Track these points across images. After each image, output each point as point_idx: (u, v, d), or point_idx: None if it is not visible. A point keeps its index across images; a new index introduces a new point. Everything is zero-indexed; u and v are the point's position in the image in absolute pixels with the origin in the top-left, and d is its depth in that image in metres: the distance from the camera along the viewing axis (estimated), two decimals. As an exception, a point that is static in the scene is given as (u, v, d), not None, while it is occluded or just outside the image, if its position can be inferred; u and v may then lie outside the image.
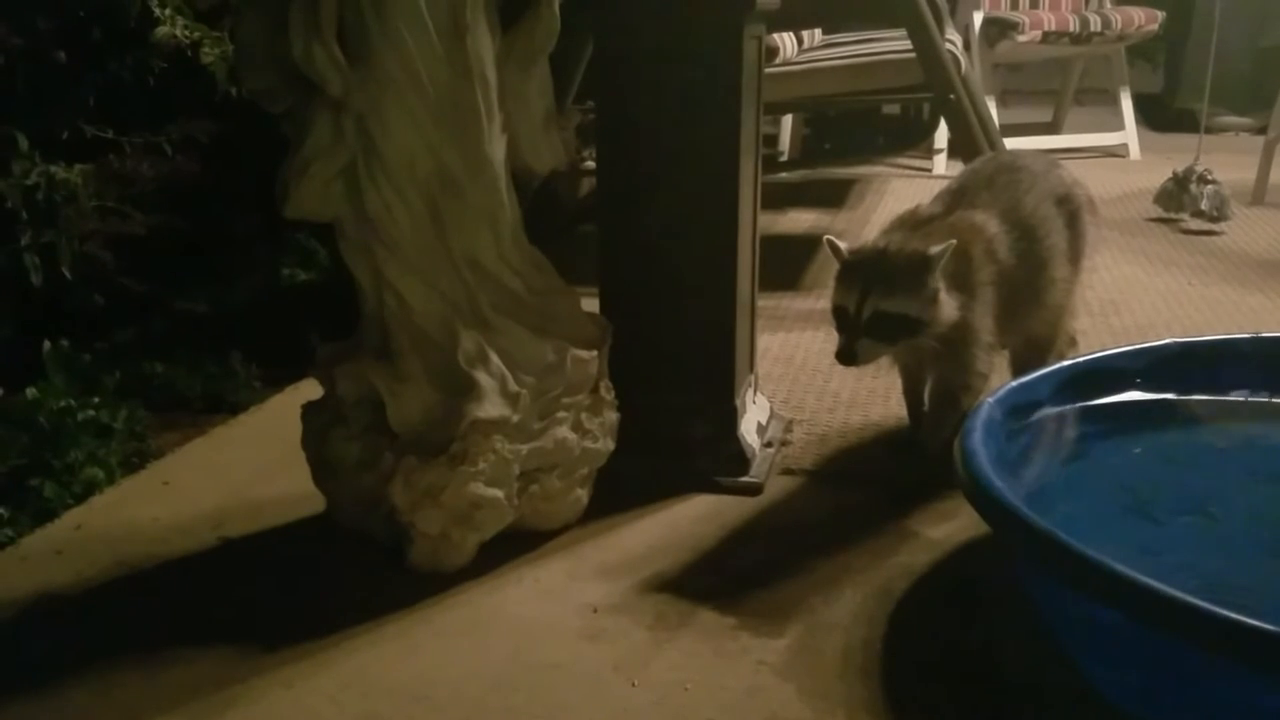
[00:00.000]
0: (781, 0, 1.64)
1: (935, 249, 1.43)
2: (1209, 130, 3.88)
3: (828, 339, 2.19)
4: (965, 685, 1.13)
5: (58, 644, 1.26)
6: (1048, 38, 4.33)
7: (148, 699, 1.14)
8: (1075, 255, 1.64)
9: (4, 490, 1.60)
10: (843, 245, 1.51)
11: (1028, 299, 1.59)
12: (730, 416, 1.59)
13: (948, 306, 1.46)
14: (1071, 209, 1.64)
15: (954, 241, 1.44)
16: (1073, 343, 1.75)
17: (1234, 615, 0.84)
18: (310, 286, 2.54)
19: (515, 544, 1.40)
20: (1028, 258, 1.57)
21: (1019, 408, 1.35)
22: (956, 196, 1.61)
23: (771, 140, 4.57)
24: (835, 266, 1.52)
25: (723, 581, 1.33)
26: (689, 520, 1.49)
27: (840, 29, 3.31)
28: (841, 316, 1.48)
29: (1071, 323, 1.75)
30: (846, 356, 1.46)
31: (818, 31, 3.16)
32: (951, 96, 2.28)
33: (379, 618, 1.26)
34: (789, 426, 1.77)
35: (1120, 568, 0.91)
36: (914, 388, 1.70)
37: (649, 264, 1.58)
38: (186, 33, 1.95)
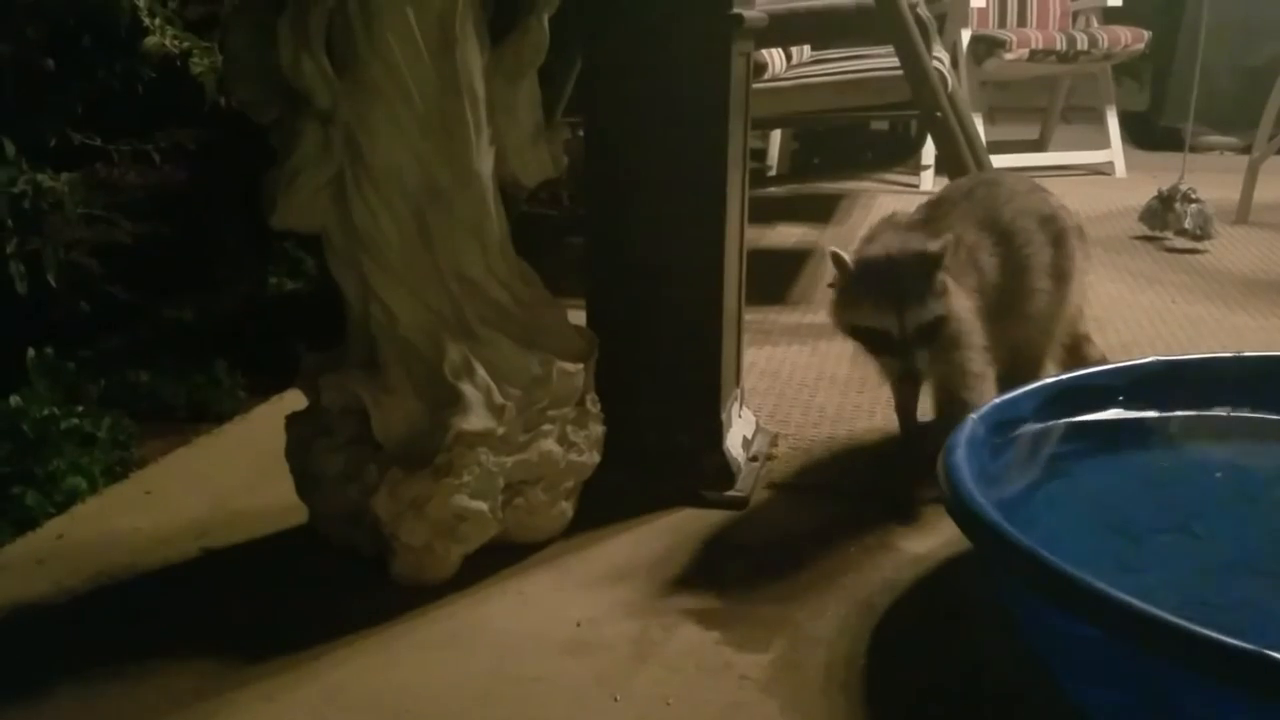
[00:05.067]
0: (770, 17, 1.65)
1: (936, 246, 1.46)
2: (1194, 149, 3.91)
3: (814, 354, 2.21)
4: (948, 701, 1.13)
5: (37, 654, 1.25)
6: (1035, 56, 4.36)
7: (128, 711, 1.13)
8: (1060, 274, 1.66)
9: (-14, 498, 1.59)
10: (847, 257, 1.51)
11: (1008, 306, 1.62)
12: (716, 430, 1.59)
13: (957, 297, 1.50)
14: (1056, 230, 1.66)
15: (951, 236, 1.48)
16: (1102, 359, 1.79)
17: (1213, 634, 0.84)
18: (297, 296, 2.54)
19: (499, 556, 1.39)
20: (1005, 264, 1.61)
21: (1002, 424, 1.35)
22: (934, 206, 1.65)
23: (760, 155, 4.59)
24: (833, 280, 1.53)
25: (706, 595, 1.33)
26: (673, 534, 1.49)
27: (829, 46, 3.33)
28: (879, 336, 1.50)
29: (1095, 348, 1.80)
30: (913, 374, 1.50)
31: (806, 48, 3.18)
32: (938, 114, 2.29)
33: (362, 630, 1.26)
34: (774, 441, 1.77)
35: (1100, 585, 0.91)
36: (906, 403, 1.71)
37: (636, 277, 1.58)
38: (176, 43, 1.95)
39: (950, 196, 1.68)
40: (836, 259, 1.51)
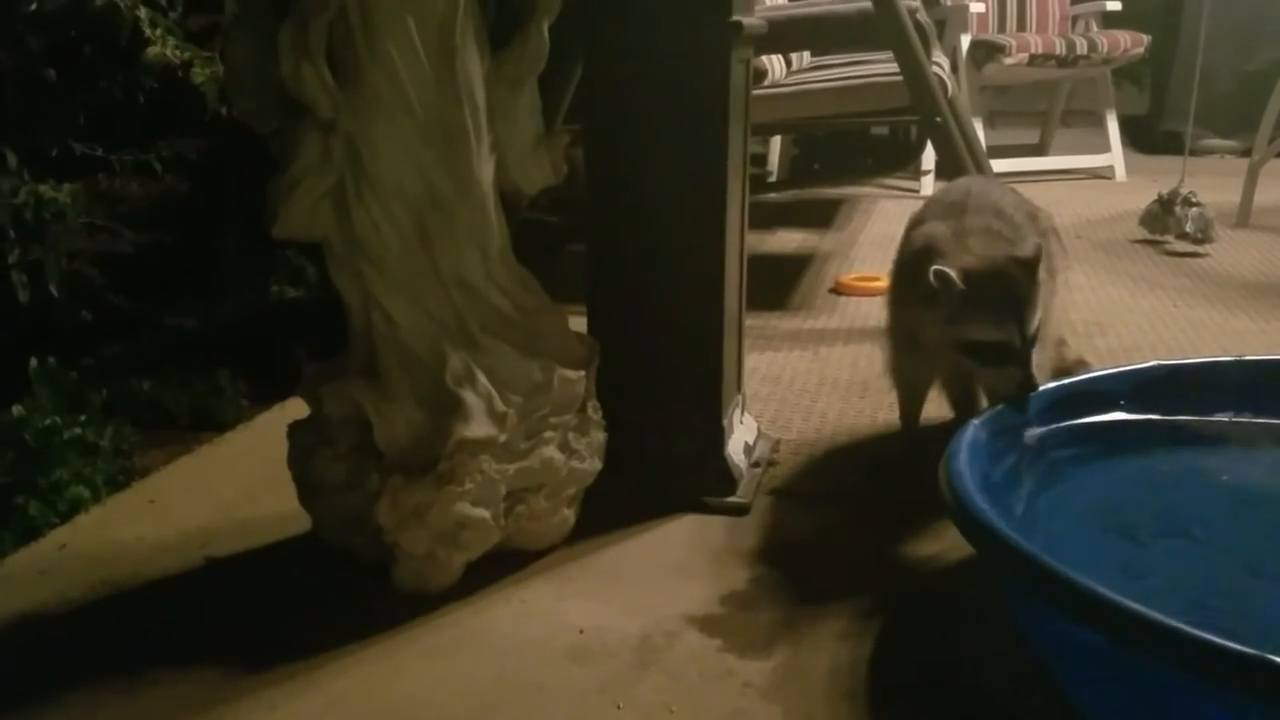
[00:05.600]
0: (770, 24, 1.66)
1: (1029, 252, 1.45)
2: (1194, 153, 3.92)
3: (815, 359, 2.21)
4: (952, 708, 1.13)
5: (40, 665, 1.25)
6: (1034, 60, 4.37)
7: (130, 720, 1.13)
8: (1049, 269, 1.66)
9: (-12, 509, 1.59)
10: (953, 273, 1.43)
11: None
12: (717, 436, 1.59)
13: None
14: (1040, 229, 1.68)
15: (1040, 242, 1.48)
16: (1081, 362, 1.79)
17: (1216, 638, 0.84)
18: (299, 304, 2.54)
19: (502, 564, 1.40)
20: None
21: (1004, 429, 1.35)
22: (950, 208, 1.62)
23: (760, 160, 4.60)
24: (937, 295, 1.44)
25: (709, 602, 1.33)
26: (675, 540, 1.49)
27: (829, 52, 3.34)
28: (999, 349, 1.44)
29: (1070, 350, 1.80)
30: (1031, 383, 1.41)
31: (807, 54, 3.18)
32: (938, 119, 2.29)
33: (364, 639, 1.26)
34: (776, 446, 1.77)
35: (1102, 590, 0.91)
36: (914, 412, 1.71)
37: (636, 284, 1.59)
38: (177, 53, 1.96)
39: (955, 197, 1.66)
40: (944, 277, 1.42)
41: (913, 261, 1.57)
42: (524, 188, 1.44)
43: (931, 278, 1.43)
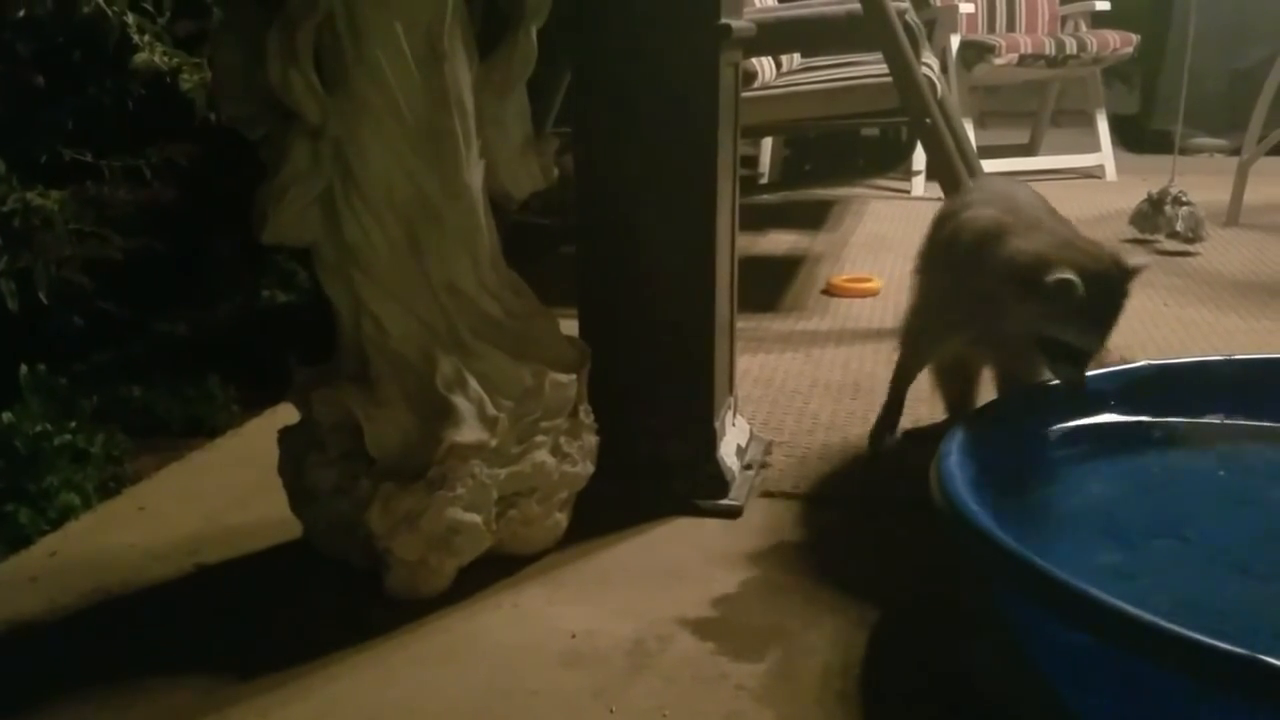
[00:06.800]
0: (759, 26, 1.66)
1: (1134, 264, 1.42)
2: (1184, 152, 3.93)
3: (807, 361, 2.21)
4: (944, 710, 1.13)
5: (30, 673, 1.25)
6: (1024, 60, 4.38)
7: (121, 729, 1.13)
8: None
9: (-22, 517, 1.58)
10: (1076, 281, 1.37)
11: None
12: (709, 439, 1.59)
13: None
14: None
15: (1146, 261, 1.45)
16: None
17: (1205, 638, 0.84)
18: (290, 309, 2.54)
19: (493, 569, 1.39)
20: None
21: (995, 430, 1.35)
22: (1004, 200, 1.58)
23: (751, 162, 4.60)
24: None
25: (701, 605, 1.33)
26: (668, 544, 1.49)
27: (818, 54, 3.34)
28: (1080, 354, 1.42)
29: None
30: (1084, 381, 1.43)
31: (796, 55, 3.19)
32: (927, 120, 2.30)
33: (356, 645, 1.25)
34: (768, 448, 1.77)
35: (1093, 591, 0.91)
36: (909, 380, 1.71)
37: (627, 287, 1.59)
38: (165, 59, 1.95)
39: (992, 195, 1.62)
40: (1069, 284, 1.37)
41: (978, 240, 1.51)
42: (513, 192, 1.44)
43: (1053, 283, 1.37)
